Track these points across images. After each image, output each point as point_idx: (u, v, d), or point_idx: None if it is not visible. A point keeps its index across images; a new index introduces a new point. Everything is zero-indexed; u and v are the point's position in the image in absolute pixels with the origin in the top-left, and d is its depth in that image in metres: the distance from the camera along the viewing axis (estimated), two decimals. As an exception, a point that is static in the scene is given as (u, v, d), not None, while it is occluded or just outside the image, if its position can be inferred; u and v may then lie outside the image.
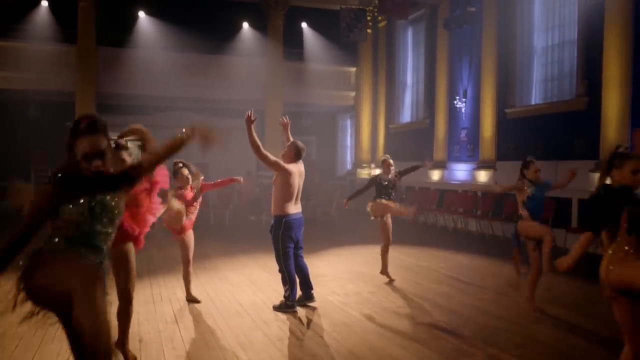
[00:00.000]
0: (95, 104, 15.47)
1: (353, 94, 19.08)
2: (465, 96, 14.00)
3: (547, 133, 11.48)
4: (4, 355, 4.26)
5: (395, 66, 17.52)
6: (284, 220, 5.60)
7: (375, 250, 6.85)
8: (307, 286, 5.90)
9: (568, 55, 11.36)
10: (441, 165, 14.76)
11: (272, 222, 5.73)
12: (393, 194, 7.31)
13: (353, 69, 19.04)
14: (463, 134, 14.19)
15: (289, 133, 6.08)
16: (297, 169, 5.72)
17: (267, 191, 14.72)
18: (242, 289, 6.66)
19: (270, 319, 5.42)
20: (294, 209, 5.67)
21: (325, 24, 17.57)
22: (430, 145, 15.22)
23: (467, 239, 11.46)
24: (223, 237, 10.79)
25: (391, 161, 7.25)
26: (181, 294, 6.23)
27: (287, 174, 5.57)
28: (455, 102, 14.16)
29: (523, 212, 5.71)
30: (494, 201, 11.92)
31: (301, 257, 5.89)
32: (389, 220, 7.18)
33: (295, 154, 5.74)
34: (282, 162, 5.61)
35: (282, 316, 5.50)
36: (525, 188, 5.69)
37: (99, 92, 15.61)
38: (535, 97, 12.32)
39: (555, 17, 11.76)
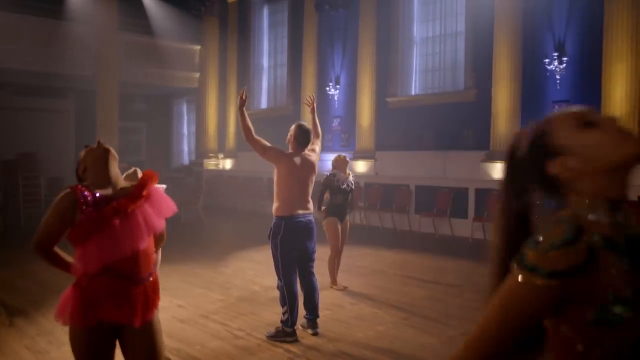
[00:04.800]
0: None
1: (197, 75, 17.05)
2: (338, 83, 13.40)
3: (434, 123, 11.52)
4: None
5: (250, 47, 16.06)
6: (283, 222, 4.37)
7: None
8: (312, 311, 4.62)
9: (452, 46, 11.54)
10: (310, 155, 13.97)
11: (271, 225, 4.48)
12: (350, 199, 6.33)
13: (197, 47, 16.98)
14: (336, 122, 13.61)
15: (315, 115, 4.90)
16: (301, 159, 4.51)
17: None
18: (194, 323, 4.91)
19: (276, 356, 4.09)
20: (299, 208, 4.43)
21: (166, -8, 15.23)
22: (296, 134, 14.28)
23: (365, 233, 10.84)
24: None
25: (347, 159, 6.35)
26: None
27: (277, 165, 4.48)
28: (328, 89, 13.46)
29: None
30: (382, 192, 11.63)
31: (311, 272, 4.62)
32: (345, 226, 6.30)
33: (296, 140, 4.54)
34: (271, 151, 4.48)
35: (292, 348, 4.23)
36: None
37: None
38: (419, 87, 12.31)
39: (437, 8, 11.85)
